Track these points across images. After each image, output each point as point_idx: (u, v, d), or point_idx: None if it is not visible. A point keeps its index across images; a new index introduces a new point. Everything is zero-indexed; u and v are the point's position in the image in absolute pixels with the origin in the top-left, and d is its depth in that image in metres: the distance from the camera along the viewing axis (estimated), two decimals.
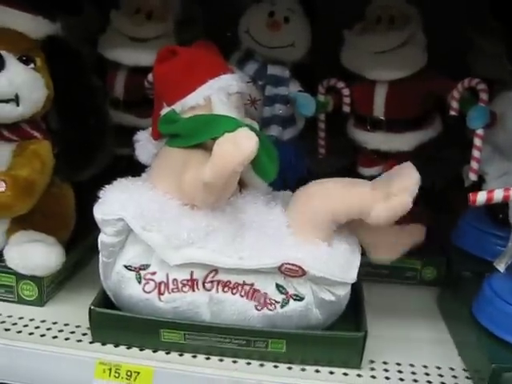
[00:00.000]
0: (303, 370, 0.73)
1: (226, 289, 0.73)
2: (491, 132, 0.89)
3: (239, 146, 0.65)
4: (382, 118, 0.97)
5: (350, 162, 1.07)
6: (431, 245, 0.91)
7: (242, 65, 0.98)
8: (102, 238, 0.74)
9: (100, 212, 0.74)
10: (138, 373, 0.73)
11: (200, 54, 0.79)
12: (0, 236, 0.84)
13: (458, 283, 0.86)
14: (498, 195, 0.66)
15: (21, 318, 0.80)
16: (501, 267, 0.76)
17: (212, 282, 0.73)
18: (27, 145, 0.82)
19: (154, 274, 0.74)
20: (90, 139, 0.86)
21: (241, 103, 0.81)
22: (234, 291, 0.73)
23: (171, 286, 0.74)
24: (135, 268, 0.74)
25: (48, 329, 0.78)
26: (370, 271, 0.94)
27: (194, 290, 0.73)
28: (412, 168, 0.74)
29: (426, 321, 0.85)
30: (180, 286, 0.73)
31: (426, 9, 0.96)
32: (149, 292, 0.74)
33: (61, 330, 0.78)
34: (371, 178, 0.99)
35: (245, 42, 0.97)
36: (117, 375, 0.73)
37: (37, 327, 0.78)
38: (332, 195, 0.74)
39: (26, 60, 0.80)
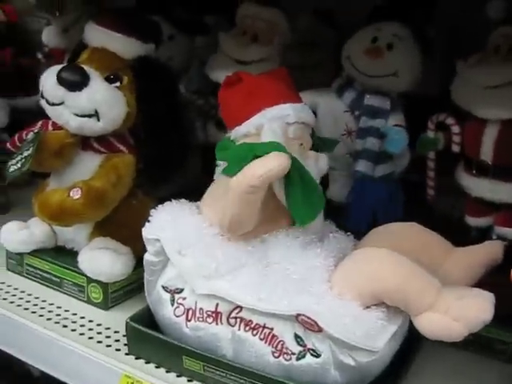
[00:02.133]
0: None
1: (247, 328, 0.70)
2: None
3: (264, 161, 0.64)
4: (490, 162, 0.85)
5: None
6: None
7: (341, 92, 0.93)
8: (145, 256, 0.77)
9: (145, 230, 0.76)
10: None
11: (265, 82, 0.77)
12: (83, 239, 0.91)
13: None
14: None
15: (82, 318, 0.86)
16: None
17: (236, 318, 0.70)
18: (111, 157, 0.88)
19: (184, 299, 0.74)
20: (170, 156, 0.88)
21: (303, 134, 0.76)
22: (255, 332, 0.69)
23: (197, 315, 0.73)
24: (171, 290, 0.75)
25: (99, 332, 0.83)
26: None
27: (217, 323, 0.71)
28: (490, 302, 0.64)
29: None
30: (205, 316, 0.72)
31: None
32: (178, 316, 0.74)
33: (108, 336, 0.82)
34: (478, 228, 0.89)
35: (346, 68, 0.92)
36: None
37: (90, 329, 0.83)
38: (390, 274, 0.66)
39: (113, 79, 0.85)
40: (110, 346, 0.80)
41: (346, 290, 0.66)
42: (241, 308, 0.70)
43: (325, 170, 0.77)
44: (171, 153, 0.88)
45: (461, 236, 0.91)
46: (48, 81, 0.84)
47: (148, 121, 0.88)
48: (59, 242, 0.95)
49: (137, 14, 0.92)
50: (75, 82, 0.82)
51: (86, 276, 0.88)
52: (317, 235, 0.75)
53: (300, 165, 0.69)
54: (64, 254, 0.93)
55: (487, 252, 0.74)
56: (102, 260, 0.86)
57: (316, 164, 0.76)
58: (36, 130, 0.87)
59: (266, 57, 0.98)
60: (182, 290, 0.74)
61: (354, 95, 0.92)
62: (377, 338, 0.65)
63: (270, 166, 0.64)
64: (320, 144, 0.81)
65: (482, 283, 0.83)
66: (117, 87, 0.86)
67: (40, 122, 0.90)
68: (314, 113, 0.95)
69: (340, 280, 0.68)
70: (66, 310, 0.88)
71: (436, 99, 0.97)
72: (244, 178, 0.65)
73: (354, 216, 0.90)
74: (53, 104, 0.84)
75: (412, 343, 0.75)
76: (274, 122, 0.73)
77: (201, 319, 0.72)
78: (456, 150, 0.90)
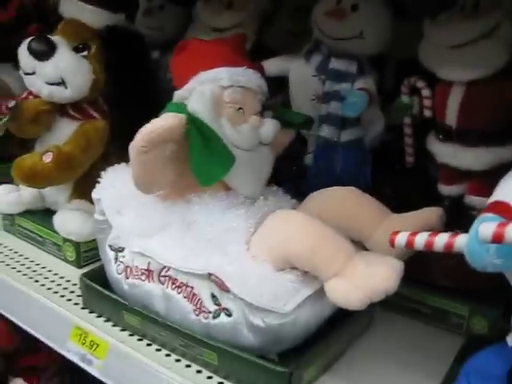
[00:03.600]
0: None
1: (173, 286, 0.72)
2: None
3: (152, 122, 0.67)
4: (453, 127, 0.80)
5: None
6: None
7: (309, 57, 0.91)
8: (95, 215, 0.81)
9: (93, 191, 0.80)
10: (98, 345, 0.77)
11: (208, 47, 0.78)
12: (63, 201, 0.97)
13: None
14: (420, 240, 0.51)
15: (55, 274, 0.92)
16: None
17: (165, 276, 0.73)
18: (84, 124, 0.92)
19: (124, 257, 0.77)
20: (139, 123, 0.91)
21: (243, 98, 0.76)
22: (179, 290, 0.71)
23: (134, 272, 0.76)
24: (115, 249, 0.79)
25: (65, 288, 0.88)
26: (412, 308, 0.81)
27: (149, 281, 0.74)
28: (395, 271, 0.62)
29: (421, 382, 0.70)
30: (140, 273, 0.75)
31: None
32: (119, 274, 0.78)
33: (72, 292, 0.87)
34: (449, 197, 0.85)
35: (314, 32, 0.90)
36: (84, 342, 0.79)
37: (58, 284, 0.89)
38: (300, 238, 0.65)
39: (81, 48, 0.89)
40: (70, 299, 0.85)
41: (260, 252, 0.67)
42: (169, 267, 0.72)
43: (270, 137, 0.77)
44: (140, 121, 0.90)
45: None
46: (22, 52, 0.89)
47: (116, 88, 0.91)
48: (47, 204, 1.01)
49: None
50: (42, 51, 0.87)
51: (62, 236, 0.94)
52: (252, 198, 0.75)
53: (203, 126, 0.70)
54: (49, 215, 0.98)
55: (422, 218, 0.71)
56: (73, 220, 0.91)
57: (255, 129, 0.76)
58: (17, 100, 0.93)
59: (239, 23, 0.97)
60: (123, 249, 0.78)
61: (321, 59, 0.89)
62: (286, 300, 0.64)
63: (155, 126, 0.66)
64: (281, 114, 0.81)
65: (440, 255, 0.81)
66: (84, 56, 0.90)
67: (25, 93, 0.96)
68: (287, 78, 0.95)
69: (256, 242, 0.68)
70: (43, 267, 0.94)
71: None
72: (136, 139, 0.67)
73: (314, 181, 0.88)
74: (27, 73, 0.90)
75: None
76: (206, 85, 0.74)
77: (136, 277, 0.75)
78: (428, 115, 0.86)
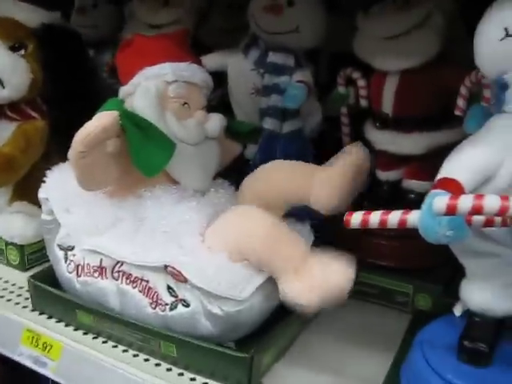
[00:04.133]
0: (193, 379, 0.69)
1: (128, 281, 0.72)
2: None
3: (86, 125, 0.67)
4: (390, 114, 0.84)
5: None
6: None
7: (247, 51, 0.93)
8: (42, 216, 0.79)
9: (40, 190, 0.79)
10: (52, 346, 0.77)
11: (152, 43, 0.78)
12: (4, 204, 0.94)
13: None
14: (374, 219, 0.54)
15: None
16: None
17: (119, 272, 0.73)
18: (23, 124, 0.91)
19: (74, 255, 0.76)
20: (78, 122, 0.90)
21: (188, 93, 0.77)
22: (134, 285, 0.72)
23: (86, 270, 0.75)
24: (64, 248, 0.78)
25: (11, 292, 0.87)
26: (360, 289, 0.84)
27: (102, 278, 0.74)
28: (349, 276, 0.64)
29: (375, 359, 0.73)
30: (92, 271, 0.75)
31: None
32: (70, 272, 0.77)
33: (19, 295, 0.86)
34: (387, 182, 0.89)
35: (251, 26, 0.92)
36: (36, 344, 0.78)
37: (4, 289, 0.87)
38: (256, 239, 0.66)
39: (18, 47, 0.88)
40: (18, 303, 0.84)
41: (215, 245, 0.68)
42: (122, 262, 0.72)
43: (216, 132, 0.78)
44: (80, 119, 0.89)
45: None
46: None
47: (55, 87, 0.90)
48: None
49: None
50: None
51: (4, 239, 0.92)
52: (201, 191, 0.76)
53: (138, 118, 0.71)
54: None
55: (347, 156, 0.73)
56: (16, 223, 0.90)
57: (200, 124, 0.77)
58: None
59: (176, 19, 0.99)
60: (73, 248, 0.77)
61: (259, 53, 0.92)
62: (242, 287, 0.66)
63: (89, 129, 0.66)
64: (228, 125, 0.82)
65: (385, 235, 0.85)
66: (21, 55, 0.88)
67: None
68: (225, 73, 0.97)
69: (211, 235, 0.69)
70: None
71: None
72: (73, 146, 0.67)
73: None
74: None
75: None
76: (151, 81, 0.75)
77: (89, 274, 0.75)
78: (364, 104, 0.90)
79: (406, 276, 0.82)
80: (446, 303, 0.70)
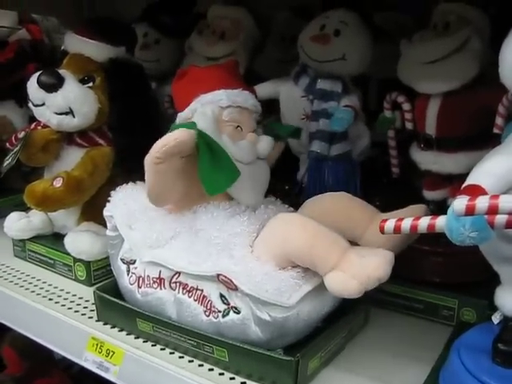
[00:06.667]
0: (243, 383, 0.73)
1: (184, 291, 0.78)
2: None
3: (166, 136, 0.72)
4: (433, 136, 0.88)
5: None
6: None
7: (297, 79, 0.99)
8: (107, 232, 0.86)
9: (105, 209, 0.86)
10: (114, 352, 0.82)
11: (206, 73, 0.85)
12: (72, 224, 1.03)
13: None
14: (406, 225, 0.57)
15: (68, 293, 0.97)
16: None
17: (176, 282, 0.78)
18: (91, 150, 0.99)
19: (136, 268, 0.83)
20: (142, 148, 0.98)
21: (240, 117, 0.83)
22: (190, 294, 0.77)
23: (146, 282, 0.81)
24: (127, 261, 0.84)
25: (78, 304, 0.93)
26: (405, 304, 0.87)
27: (161, 288, 0.80)
28: (387, 261, 0.69)
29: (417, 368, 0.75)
30: (151, 282, 0.81)
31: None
32: (132, 284, 0.83)
33: (85, 307, 0.92)
34: (434, 202, 0.92)
35: (301, 56, 0.98)
36: (100, 351, 0.84)
37: (72, 301, 0.94)
38: (297, 236, 0.71)
39: (87, 80, 0.97)
40: (84, 314, 0.90)
41: (263, 253, 0.73)
42: (179, 273, 0.78)
43: (266, 151, 0.84)
44: (143, 145, 0.97)
45: None
46: (31, 85, 0.96)
47: (120, 116, 0.98)
48: (55, 229, 1.07)
49: (108, 21, 1.03)
50: (51, 84, 0.94)
51: (72, 256, 0.99)
52: (252, 207, 0.82)
53: (211, 140, 0.76)
54: (59, 239, 1.04)
55: (408, 215, 0.77)
56: (83, 241, 0.97)
57: (252, 145, 0.83)
58: (27, 130, 1.00)
59: (231, 52, 1.06)
60: (135, 261, 0.83)
61: (308, 81, 0.98)
62: (289, 294, 0.70)
63: (169, 139, 0.72)
64: (273, 130, 0.88)
65: (431, 252, 0.88)
66: (90, 87, 0.97)
67: (34, 123, 1.03)
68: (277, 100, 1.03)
69: (259, 244, 0.74)
70: (55, 287, 0.99)
71: None
72: (151, 151, 0.73)
73: (309, 194, 0.95)
74: (36, 105, 0.96)
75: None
76: (207, 106, 0.81)
77: (148, 285, 0.81)
78: (409, 127, 0.93)
79: (451, 291, 0.84)
80: (490, 317, 0.71)
